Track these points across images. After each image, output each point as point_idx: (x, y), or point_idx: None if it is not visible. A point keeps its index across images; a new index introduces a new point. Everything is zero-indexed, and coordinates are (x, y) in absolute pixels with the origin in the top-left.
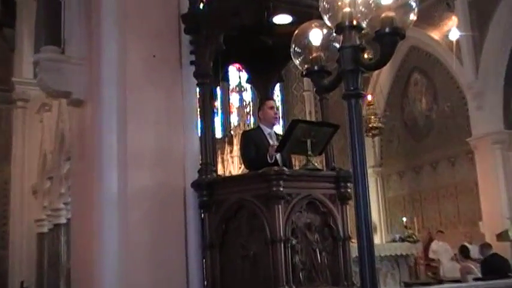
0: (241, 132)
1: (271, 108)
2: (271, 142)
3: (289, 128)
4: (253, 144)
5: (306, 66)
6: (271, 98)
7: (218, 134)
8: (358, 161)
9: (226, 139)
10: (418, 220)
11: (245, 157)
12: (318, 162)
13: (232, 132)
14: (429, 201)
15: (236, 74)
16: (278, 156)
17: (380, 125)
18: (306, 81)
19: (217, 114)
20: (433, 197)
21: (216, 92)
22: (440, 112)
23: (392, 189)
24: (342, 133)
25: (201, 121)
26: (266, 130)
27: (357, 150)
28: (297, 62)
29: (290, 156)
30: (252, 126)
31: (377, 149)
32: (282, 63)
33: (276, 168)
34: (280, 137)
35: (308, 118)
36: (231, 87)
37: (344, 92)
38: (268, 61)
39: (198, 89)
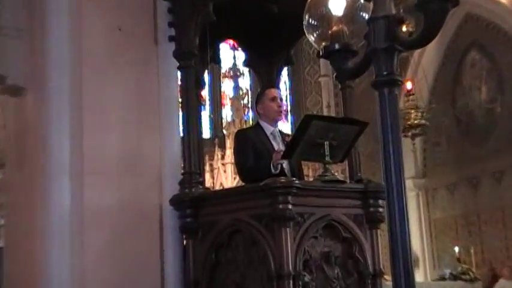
0: (235, 131)
1: (274, 99)
2: (275, 145)
3: (300, 126)
4: (251, 147)
5: (323, 43)
6: (273, 86)
7: (206, 133)
8: (393, 170)
9: (217, 140)
10: (476, 251)
11: (241, 165)
12: (338, 171)
13: (224, 131)
14: (491, 225)
15: (230, 54)
16: (285, 164)
17: (423, 122)
18: (324, 63)
19: (205, 108)
20: (496, 220)
21: (203, 78)
22: (507, 105)
23: (440, 208)
24: (370, 133)
25: (184, 117)
26: (268, 129)
27: (391, 155)
28: (311, 38)
29: (301, 164)
30: (251, 123)
31: (419, 155)
32: (291, 40)
33: (282, 179)
34: (287, 138)
35: (326, 113)
36: (223, 72)
37: (374, 78)
38: (272, 36)
39: (179, 74)
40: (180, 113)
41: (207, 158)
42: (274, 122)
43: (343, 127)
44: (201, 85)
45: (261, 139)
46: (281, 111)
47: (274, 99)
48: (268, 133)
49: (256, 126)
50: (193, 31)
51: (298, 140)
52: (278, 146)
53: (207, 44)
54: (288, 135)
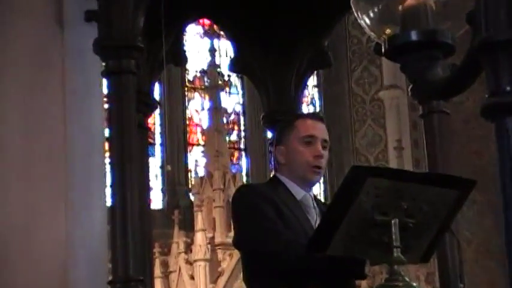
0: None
1: (312, 139)
2: (313, 225)
3: (342, 190)
4: (276, 212)
5: (387, 31)
6: (312, 115)
7: (157, 202)
8: None
9: (177, 214)
10: None
11: (265, 234)
12: (421, 275)
13: (191, 196)
14: None
15: (204, 45)
16: None
17: None
18: (388, 67)
19: (154, 152)
20: None
21: (152, 92)
22: None
23: None
24: (484, 201)
25: (113, 172)
26: (298, 192)
27: None
28: (365, 20)
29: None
30: (243, 179)
31: None
32: (324, 20)
33: None
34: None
35: (393, 162)
36: (189, 79)
37: (487, 97)
38: (285, 12)
39: (105, 84)
40: (108, 166)
41: (157, 249)
42: (307, 183)
43: (428, 191)
44: (150, 106)
45: (289, 206)
46: (319, 168)
47: (313, 140)
48: (299, 199)
49: (274, 184)
50: (133, 3)
51: (337, 215)
52: (314, 223)
53: (161, 27)
54: (324, 204)
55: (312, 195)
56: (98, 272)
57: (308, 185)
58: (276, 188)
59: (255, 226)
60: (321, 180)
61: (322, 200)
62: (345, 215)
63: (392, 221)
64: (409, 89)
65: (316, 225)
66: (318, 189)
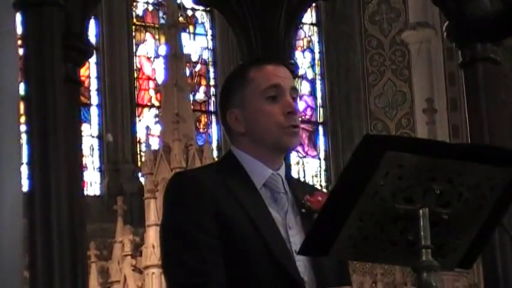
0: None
1: (278, 92)
2: (276, 216)
3: (348, 169)
4: (218, 224)
5: None
6: (267, 58)
7: (94, 187)
8: None
9: (122, 203)
10: None
11: (176, 275)
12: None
13: (142, 179)
14: None
15: None
16: (301, 261)
17: None
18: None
19: (90, 119)
20: None
21: (86, 32)
22: None
23: None
24: None
25: (31, 144)
26: (260, 173)
27: None
28: None
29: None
30: (214, 156)
31: None
32: None
33: None
34: (315, 204)
35: (422, 132)
36: (137, 15)
37: None
38: None
39: (19, 21)
40: (23, 136)
41: (93, 251)
42: (277, 154)
43: (470, 170)
44: (83, 52)
45: (242, 201)
46: (296, 127)
47: (278, 92)
48: (258, 185)
49: (227, 167)
50: None
51: (344, 205)
52: (284, 216)
53: None
54: (316, 189)
55: (283, 175)
56: (7, 285)
57: (281, 153)
58: (227, 175)
59: (179, 253)
60: (321, 156)
61: (319, 185)
62: (355, 204)
63: (421, 212)
64: (444, 28)
65: (287, 219)
66: (315, 170)
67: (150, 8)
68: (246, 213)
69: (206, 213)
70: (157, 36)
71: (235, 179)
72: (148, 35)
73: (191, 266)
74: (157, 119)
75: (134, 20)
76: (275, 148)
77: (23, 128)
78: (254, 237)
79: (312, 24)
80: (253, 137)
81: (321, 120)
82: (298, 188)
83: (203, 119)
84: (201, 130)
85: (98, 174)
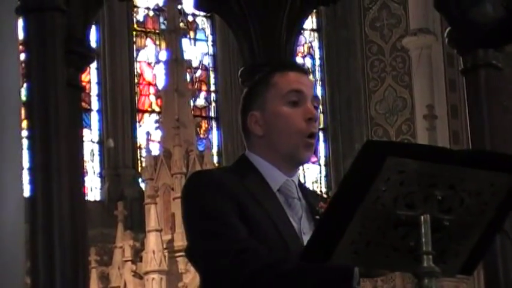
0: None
1: (298, 96)
2: (292, 221)
3: (351, 174)
4: (239, 215)
5: None
6: (291, 65)
7: (95, 193)
8: None
9: (121, 208)
10: None
11: (221, 243)
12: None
13: (142, 184)
14: None
15: None
16: None
17: None
18: (414, 2)
19: (90, 124)
20: None
21: (88, 38)
22: None
23: None
24: None
25: (32, 149)
26: (277, 178)
27: None
28: None
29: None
30: (215, 162)
31: None
32: None
33: None
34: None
35: (423, 137)
36: (138, 20)
37: None
38: None
39: (20, 27)
40: (25, 141)
41: (94, 256)
42: (294, 163)
43: (472, 176)
44: (85, 57)
45: (262, 202)
46: (313, 137)
47: (300, 98)
48: (274, 188)
49: (242, 169)
50: None
51: (345, 211)
52: (299, 222)
53: None
54: (321, 197)
55: (297, 182)
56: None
57: (295, 164)
58: (243, 176)
59: (210, 236)
60: (322, 162)
61: (319, 191)
62: (356, 210)
63: (422, 218)
64: (445, 34)
65: (301, 225)
66: (316, 176)
67: (151, 13)
68: (267, 214)
69: (230, 202)
70: (158, 42)
71: (252, 180)
72: (149, 40)
73: (229, 235)
74: (157, 124)
75: (135, 26)
76: (289, 159)
77: (24, 133)
78: (276, 240)
79: (312, 30)
80: (271, 140)
81: (322, 126)
82: (308, 194)
83: (204, 124)
84: (202, 136)
85: (99, 179)
